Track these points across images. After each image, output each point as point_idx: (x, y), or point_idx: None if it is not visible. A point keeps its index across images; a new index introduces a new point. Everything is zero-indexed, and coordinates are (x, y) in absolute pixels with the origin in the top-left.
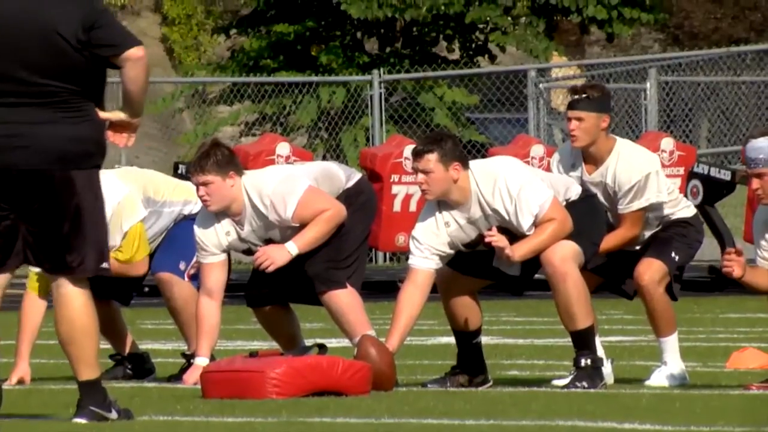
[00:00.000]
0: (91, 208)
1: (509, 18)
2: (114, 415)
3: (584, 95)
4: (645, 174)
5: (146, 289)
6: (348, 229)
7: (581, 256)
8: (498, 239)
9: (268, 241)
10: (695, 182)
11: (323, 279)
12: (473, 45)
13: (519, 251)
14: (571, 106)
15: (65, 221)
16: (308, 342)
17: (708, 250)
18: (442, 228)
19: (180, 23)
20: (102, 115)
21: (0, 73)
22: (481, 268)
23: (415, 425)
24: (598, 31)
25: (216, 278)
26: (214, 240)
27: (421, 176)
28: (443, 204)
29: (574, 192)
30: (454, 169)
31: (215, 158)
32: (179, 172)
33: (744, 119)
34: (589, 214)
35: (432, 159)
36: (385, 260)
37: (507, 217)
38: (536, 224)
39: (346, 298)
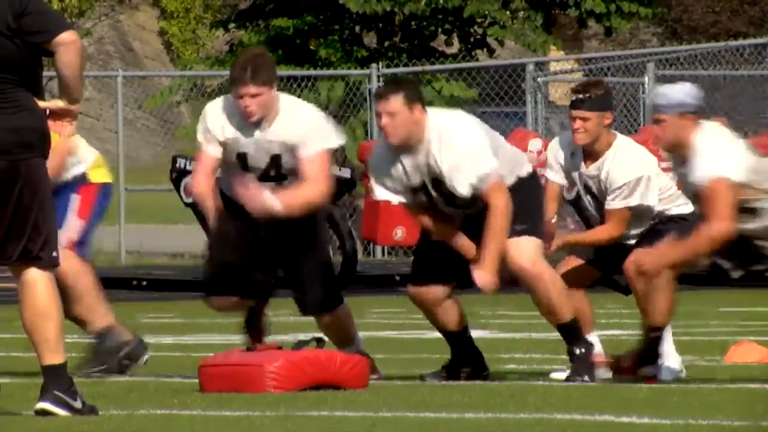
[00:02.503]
0: (35, 197)
1: (507, 12)
2: (78, 404)
3: (587, 95)
4: (637, 176)
5: (144, 282)
6: None
7: (542, 246)
8: (482, 280)
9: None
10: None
11: None
12: (471, 39)
13: (489, 271)
14: (575, 105)
15: (6, 211)
16: (306, 336)
17: None
18: (394, 169)
19: (178, 17)
20: (40, 104)
21: None
22: (452, 273)
23: (413, 419)
24: (596, 25)
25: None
26: (218, 127)
27: (384, 119)
28: (396, 147)
29: (525, 170)
30: (418, 111)
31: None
32: (178, 165)
33: (743, 113)
34: (537, 192)
35: (398, 100)
36: (383, 254)
37: (441, 174)
38: (473, 196)
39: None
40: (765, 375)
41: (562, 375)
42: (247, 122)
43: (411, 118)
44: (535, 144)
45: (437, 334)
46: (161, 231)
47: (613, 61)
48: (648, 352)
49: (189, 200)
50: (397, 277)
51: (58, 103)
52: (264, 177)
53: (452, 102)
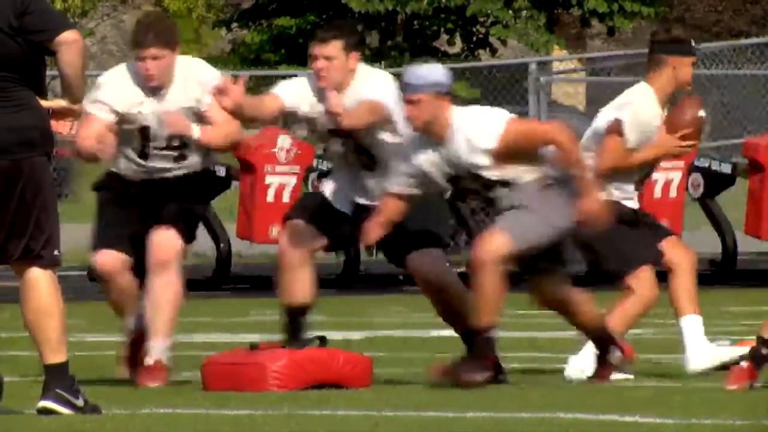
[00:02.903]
0: (38, 196)
1: (510, 11)
2: (81, 402)
3: None
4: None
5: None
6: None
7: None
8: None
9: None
10: (696, 175)
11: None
12: (474, 38)
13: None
14: None
15: (8, 209)
16: (310, 335)
17: (709, 242)
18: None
19: (181, 16)
20: (43, 103)
21: None
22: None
23: (416, 418)
24: (599, 25)
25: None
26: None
27: (321, 62)
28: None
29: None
30: (353, 58)
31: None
32: None
33: (745, 113)
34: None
35: (337, 46)
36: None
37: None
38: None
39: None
40: (766, 374)
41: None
42: (146, 88)
43: (345, 66)
44: None
45: (440, 333)
46: None
47: (615, 60)
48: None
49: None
50: (400, 277)
51: (61, 103)
52: (167, 148)
53: (455, 101)
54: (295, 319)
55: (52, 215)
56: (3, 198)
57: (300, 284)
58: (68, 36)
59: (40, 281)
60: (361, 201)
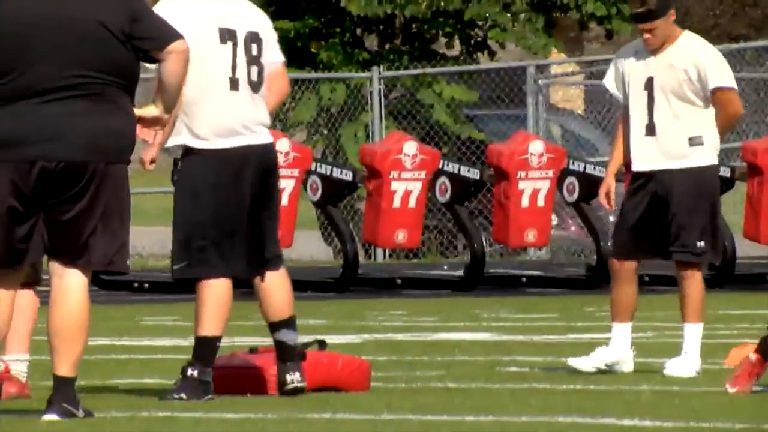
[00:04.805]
0: (119, 203)
1: (508, 14)
2: (81, 413)
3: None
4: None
5: (146, 285)
6: None
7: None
8: None
9: None
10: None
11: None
12: (473, 41)
13: None
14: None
15: (94, 214)
16: (309, 338)
17: None
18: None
19: None
20: (135, 111)
21: (42, 68)
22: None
23: (415, 421)
24: (597, 28)
25: None
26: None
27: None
28: None
29: None
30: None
31: None
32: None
33: (744, 116)
34: None
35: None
36: (384, 257)
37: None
38: None
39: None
40: (766, 378)
41: (580, 364)
42: None
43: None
44: (535, 147)
45: (439, 337)
46: (163, 233)
47: None
48: None
49: None
50: (399, 280)
51: (152, 111)
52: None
53: (453, 105)
54: None
55: (126, 224)
56: (90, 201)
57: None
58: (178, 46)
59: (79, 291)
60: None
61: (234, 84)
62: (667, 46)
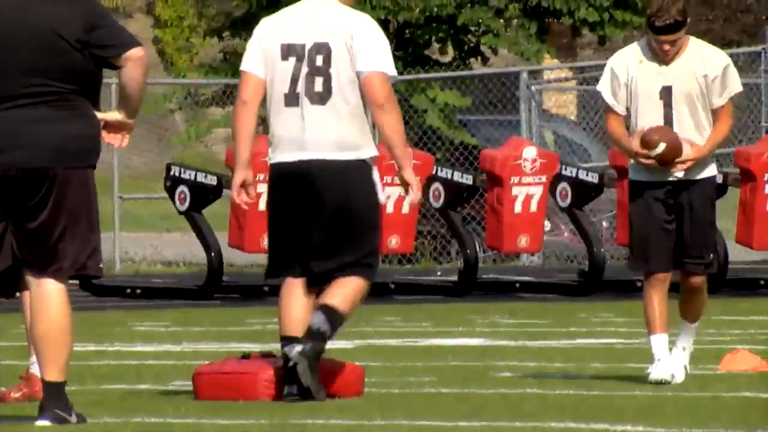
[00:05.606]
0: (85, 207)
1: (501, 20)
2: (74, 419)
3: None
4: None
5: (139, 290)
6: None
7: None
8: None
9: None
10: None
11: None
12: (465, 47)
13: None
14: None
15: (60, 220)
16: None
17: None
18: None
19: (172, 25)
20: (99, 115)
21: (1, 77)
22: None
23: (408, 427)
24: (589, 34)
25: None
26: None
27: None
28: None
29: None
30: None
31: None
32: (172, 173)
33: (736, 121)
34: None
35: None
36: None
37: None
38: None
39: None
40: (759, 384)
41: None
42: None
43: None
44: (529, 152)
45: (433, 342)
46: (155, 239)
47: None
48: None
49: (183, 208)
50: (392, 286)
51: (116, 116)
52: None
53: (446, 110)
54: None
55: (95, 227)
56: (54, 206)
57: None
58: (136, 53)
59: (57, 295)
60: None
61: (289, 99)
62: (680, 53)
